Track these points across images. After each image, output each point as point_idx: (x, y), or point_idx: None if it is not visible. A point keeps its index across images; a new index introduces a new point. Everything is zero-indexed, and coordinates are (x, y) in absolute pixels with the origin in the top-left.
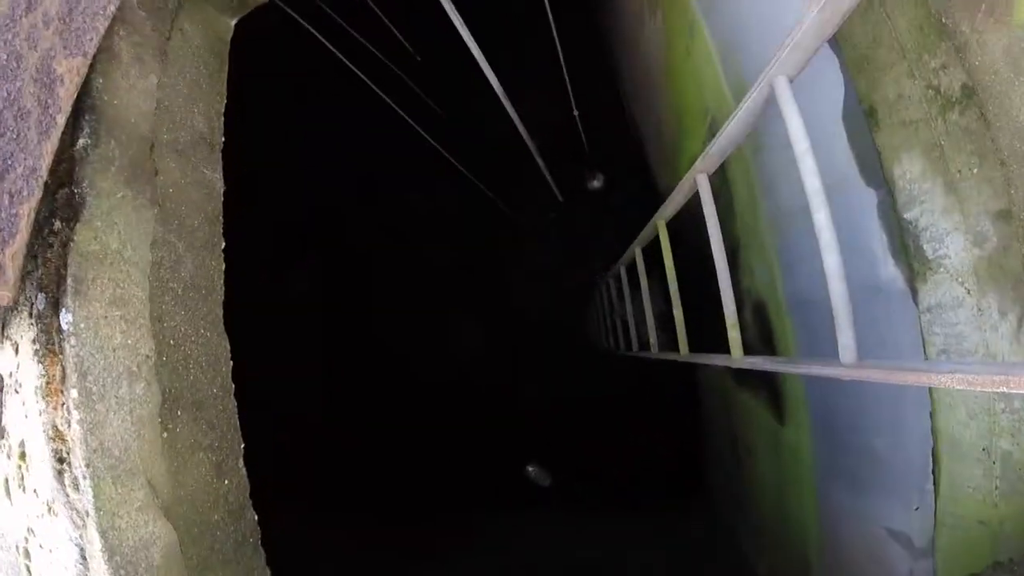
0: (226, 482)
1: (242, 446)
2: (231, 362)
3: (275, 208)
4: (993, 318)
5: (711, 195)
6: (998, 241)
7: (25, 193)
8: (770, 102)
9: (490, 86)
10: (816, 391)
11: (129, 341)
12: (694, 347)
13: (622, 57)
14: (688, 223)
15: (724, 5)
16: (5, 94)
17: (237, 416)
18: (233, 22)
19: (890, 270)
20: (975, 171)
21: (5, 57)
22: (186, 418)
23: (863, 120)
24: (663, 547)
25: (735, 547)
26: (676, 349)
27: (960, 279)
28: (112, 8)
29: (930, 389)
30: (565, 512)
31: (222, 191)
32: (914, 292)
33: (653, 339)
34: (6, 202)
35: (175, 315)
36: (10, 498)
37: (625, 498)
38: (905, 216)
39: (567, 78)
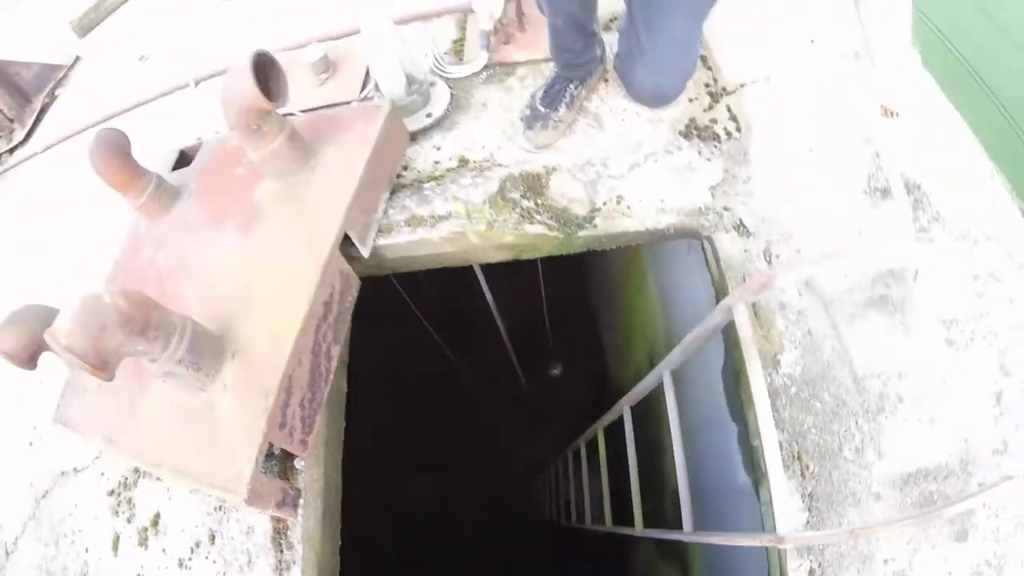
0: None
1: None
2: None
3: None
4: None
5: (631, 425)
6: None
7: (316, 406)
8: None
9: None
10: (708, 557)
11: (314, 476)
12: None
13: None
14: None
15: (664, 267)
16: (319, 366)
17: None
18: None
19: (743, 478)
20: None
21: (316, 346)
22: (327, 520)
23: (733, 378)
24: None
25: None
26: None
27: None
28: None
29: None
30: None
31: None
32: (757, 493)
33: (607, 512)
34: (312, 411)
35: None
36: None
37: None
38: (753, 444)
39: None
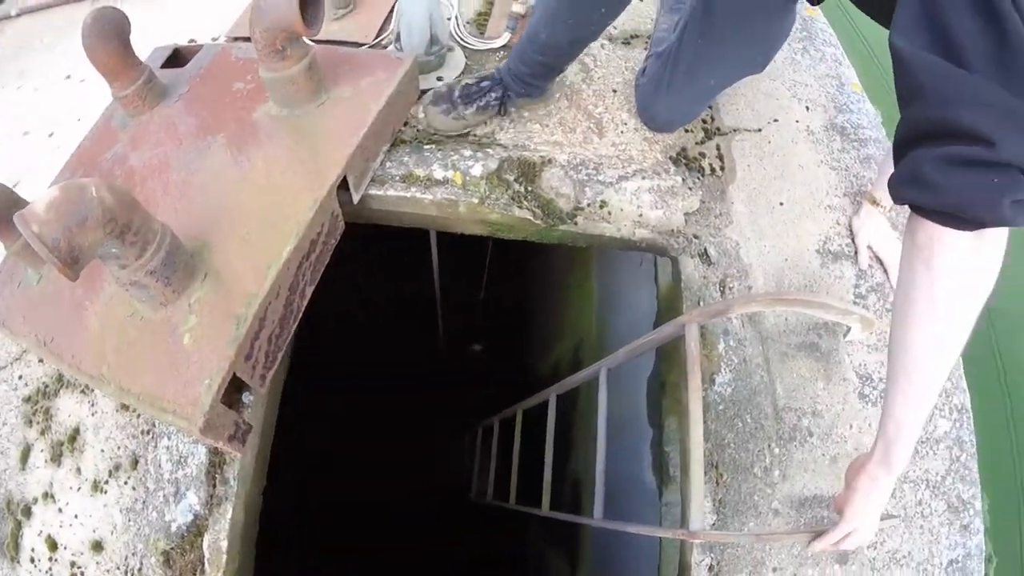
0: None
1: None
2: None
3: None
4: None
5: (555, 411)
6: None
7: (282, 343)
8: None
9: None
10: (598, 544)
11: (258, 414)
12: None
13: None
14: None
15: (610, 273)
16: (292, 303)
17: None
18: None
19: (648, 478)
20: None
21: (295, 283)
22: (260, 460)
23: (657, 387)
24: None
25: None
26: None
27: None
28: None
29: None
30: None
31: None
32: (660, 494)
33: (513, 490)
34: (277, 348)
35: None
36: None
37: None
38: (665, 449)
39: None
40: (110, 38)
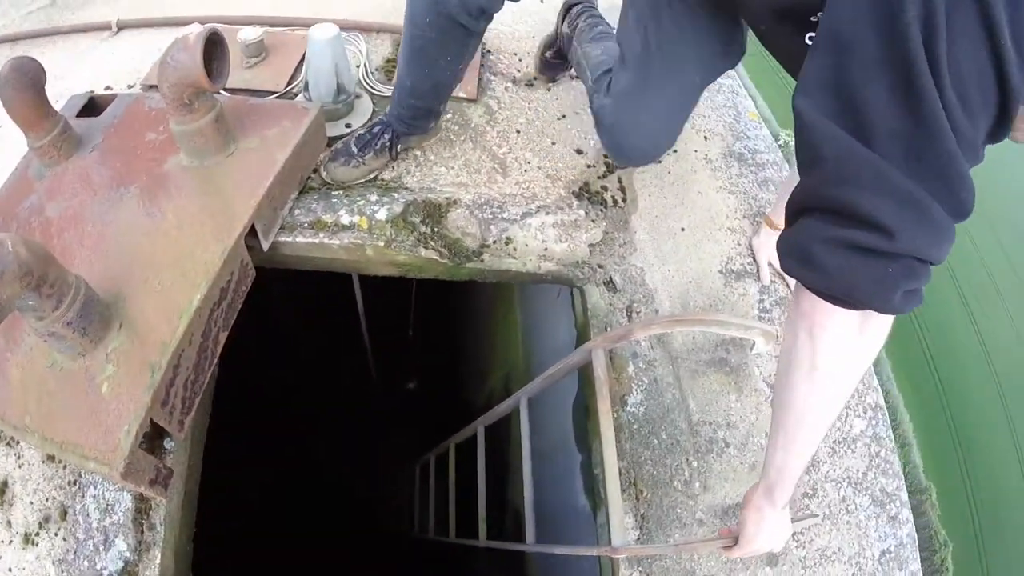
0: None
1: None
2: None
3: None
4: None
5: (484, 443)
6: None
7: (199, 389)
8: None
9: None
10: (542, 568)
11: (180, 459)
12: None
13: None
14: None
15: (532, 305)
16: (206, 350)
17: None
18: None
19: (583, 502)
20: None
21: (207, 330)
22: (187, 505)
23: (582, 411)
24: None
25: None
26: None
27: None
28: None
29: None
30: None
31: None
32: (595, 515)
33: (452, 524)
34: (193, 393)
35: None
36: None
37: None
38: (595, 472)
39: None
40: (26, 89)
